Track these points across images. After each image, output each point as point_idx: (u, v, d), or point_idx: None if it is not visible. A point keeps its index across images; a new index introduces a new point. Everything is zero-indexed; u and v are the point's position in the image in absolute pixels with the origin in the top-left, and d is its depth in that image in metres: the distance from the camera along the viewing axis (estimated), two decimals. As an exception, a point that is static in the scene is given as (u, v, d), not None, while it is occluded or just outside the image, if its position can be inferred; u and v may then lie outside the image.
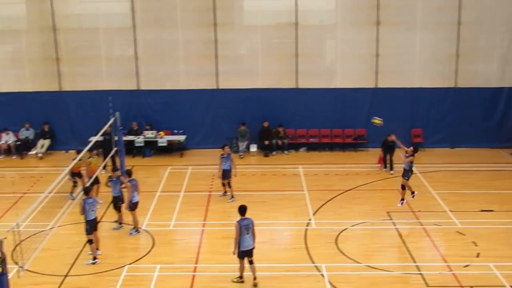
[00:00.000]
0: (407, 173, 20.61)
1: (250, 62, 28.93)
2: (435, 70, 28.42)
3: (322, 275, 16.65)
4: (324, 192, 23.03)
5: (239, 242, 15.94)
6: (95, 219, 17.75)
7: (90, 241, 17.60)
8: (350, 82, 28.58)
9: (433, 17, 27.91)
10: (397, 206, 20.93)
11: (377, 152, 26.17)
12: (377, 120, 22.48)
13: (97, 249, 17.87)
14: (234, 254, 16.11)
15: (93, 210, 17.57)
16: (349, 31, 28.32)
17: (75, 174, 22.37)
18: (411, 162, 20.56)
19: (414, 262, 17.32)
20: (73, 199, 21.89)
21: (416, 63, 28.42)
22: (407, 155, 20.68)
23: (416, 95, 28.43)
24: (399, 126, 26.75)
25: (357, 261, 17.42)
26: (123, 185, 19.75)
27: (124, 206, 19.72)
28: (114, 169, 20.19)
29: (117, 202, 19.91)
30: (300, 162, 26.90)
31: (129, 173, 19.86)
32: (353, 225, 19.92)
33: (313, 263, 17.37)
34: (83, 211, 17.41)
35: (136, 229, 19.58)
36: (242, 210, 16.15)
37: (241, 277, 16.27)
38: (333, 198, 22.48)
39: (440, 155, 27.85)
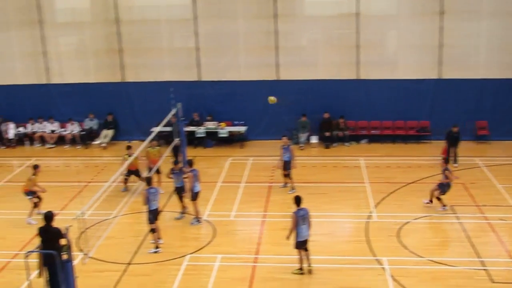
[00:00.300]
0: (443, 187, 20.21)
1: (311, 53, 28.76)
2: (501, 60, 27.63)
3: (384, 268, 16.47)
4: (386, 184, 22.75)
5: (296, 233, 15.94)
6: (157, 209, 17.96)
7: (152, 230, 17.82)
8: (412, 73, 28.07)
9: (499, 6, 27.16)
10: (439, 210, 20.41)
11: (440, 145, 25.69)
12: (271, 98, 22.11)
13: (159, 238, 18.08)
14: (287, 239, 16.17)
15: (155, 200, 17.77)
16: (412, 21, 27.82)
17: (132, 172, 22.56)
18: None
19: (479, 257, 16.94)
20: (125, 191, 22.20)
21: (481, 53, 27.71)
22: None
23: (481, 86, 27.70)
24: (463, 118, 26.25)
25: (420, 255, 17.16)
26: (185, 175, 19.92)
27: (186, 196, 19.90)
28: (175, 162, 20.33)
29: (180, 193, 20.10)
30: (361, 154, 26.65)
31: (190, 163, 20.02)
32: (415, 219, 19.62)
33: (374, 256, 17.19)
34: (146, 201, 17.62)
35: (197, 218, 19.74)
36: (298, 200, 16.13)
37: (301, 268, 16.24)
38: (395, 190, 22.17)
39: (506, 147, 27.09)
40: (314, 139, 28.24)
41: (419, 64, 28.04)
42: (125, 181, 22.61)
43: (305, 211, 16.06)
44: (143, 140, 21.75)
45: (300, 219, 15.91)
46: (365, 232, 18.77)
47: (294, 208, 16.08)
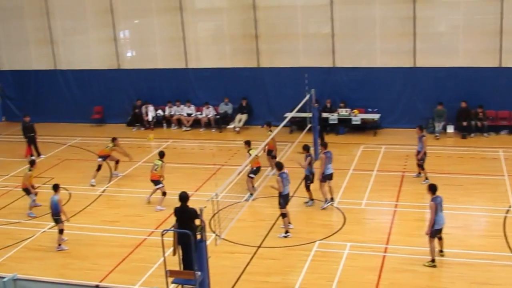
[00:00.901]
0: None
1: (450, 40, 27.83)
2: None
3: (521, 265, 15.81)
4: (527, 178, 21.76)
5: (434, 220, 15.66)
6: (288, 194, 18.08)
7: (283, 215, 17.98)
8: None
9: None
10: None
11: None
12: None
13: (290, 223, 18.24)
14: (427, 234, 15.85)
15: (287, 185, 17.89)
16: None
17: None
18: None
19: None
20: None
21: None
22: None
23: None
24: None
25: (562, 253, 16.33)
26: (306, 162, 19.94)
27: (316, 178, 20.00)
28: (323, 144, 20.36)
29: (307, 180, 20.16)
30: (500, 146, 25.51)
31: (324, 145, 20.03)
32: (558, 215, 18.66)
33: (512, 252, 16.54)
34: (281, 185, 17.75)
35: (328, 200, 19.70)
36: (434, 188, 15.88)
37: (433, 260, 15.87)
38: (536, 185, 21.17)
39: None
40: (450, 129, 27.37)
41: None
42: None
43: (441, 198, 15.82)
44: (276, 126, 21.94)
45: (439, 206, 15.65)
46: (503, 227, 18.03)
47: (428, 196, 15.78)
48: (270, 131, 22.10)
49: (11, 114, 33.73)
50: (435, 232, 15.85)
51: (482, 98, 27.14)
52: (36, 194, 21.17)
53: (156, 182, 20.81)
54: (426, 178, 21.41)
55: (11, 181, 23.64)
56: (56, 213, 17.96)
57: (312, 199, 20.28)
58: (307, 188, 20.15)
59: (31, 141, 26.72)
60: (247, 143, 21.46)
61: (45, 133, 27.38)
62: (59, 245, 18.17)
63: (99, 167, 23.23)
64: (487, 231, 18.23)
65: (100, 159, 23.30)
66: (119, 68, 31.81)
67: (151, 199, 21.02)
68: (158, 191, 20.77)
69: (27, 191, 20.90)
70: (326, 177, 19.58)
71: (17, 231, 19.46)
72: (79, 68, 32.39)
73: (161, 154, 21.17)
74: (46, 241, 18.68)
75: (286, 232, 17.94)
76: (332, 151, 20.35)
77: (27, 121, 26.80)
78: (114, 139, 23.65)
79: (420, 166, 21.74)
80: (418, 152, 21.59)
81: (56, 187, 18.16)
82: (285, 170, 18.11)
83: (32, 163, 21.37)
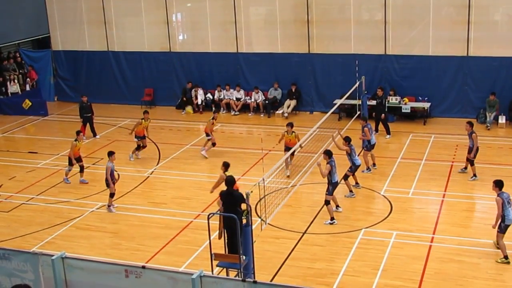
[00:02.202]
0: None
1: (505, 29, 27.32)
2: None
3: None
4: None
5: (503, 216, 15.47)
6: (337, 181, 18.01)
7: (327, 202, 17.90)
8: None
9: None
10: None
11: None
12: None
13: (338, 206, 18.16)
14: (493, 227, 15.72)
15: (336, 173, 17.84)
16: None
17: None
18: None
19: None
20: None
21: None
22: None
23: None
24: None
25: None
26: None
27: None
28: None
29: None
30: (555, 137, 25.04)
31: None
32: None
33: None
34: (330, 172, 17.69)
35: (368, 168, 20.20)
36: (500, 184, 15.68)
37: (506, 257, 15.62)
38: None
39: None
40: (502, 119, 26.87)
41: None
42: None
43: (508, 194, 15.61)
44: (325, 112, 21.86)
45: (506, 201, 15.46)
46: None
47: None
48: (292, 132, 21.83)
49: (63, 94, 34.35)
50: (505, 228, 15.58)
51: (537, 88, 26.60)
52: (82, 168, 22.06)
53: (206, 134, 23.91)
54: (474, 175, 20.79)
55: (61, 160, 24.07)
56: (106, 178, 19.40)
57: (357, 183, 20.41)
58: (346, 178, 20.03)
59: (88, 121, 27.18)
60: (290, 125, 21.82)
61: (96, 114, 27.79)
62: (108, 206, 19.66)
63: (138, 147, 24.07)
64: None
65: (136, 139, 24.06)
66: (170, 51, 32.05)
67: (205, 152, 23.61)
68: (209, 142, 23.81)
69: (69, 160, 21.83)
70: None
71: (66, 210, 19.89)
72: (131, 50, 32.72)
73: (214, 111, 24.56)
74: (95, 220, 19.07)
75: (332, 218, 17.92)
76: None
77: (85, 101, 27.26)
78: (145, 112, 24.48)
79: (470, 162, 20.99)
80: (470, 148, 20.85)
81: (108, 154, 19.74)
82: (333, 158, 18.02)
83: (78, 133, 22.25)
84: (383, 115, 25.51)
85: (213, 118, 24.17)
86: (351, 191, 19.77)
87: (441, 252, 16.19)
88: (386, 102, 26.07)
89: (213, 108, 29.80)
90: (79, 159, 22.02)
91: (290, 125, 21.60)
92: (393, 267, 15.54)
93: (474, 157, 20.79)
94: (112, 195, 19.60)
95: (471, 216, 18.54)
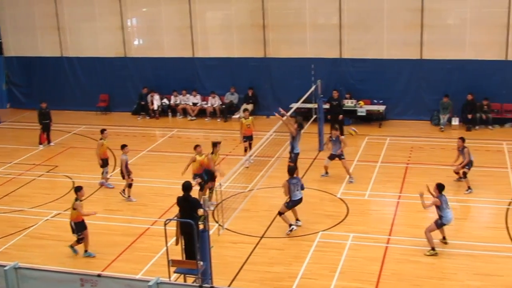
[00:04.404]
0: None
1: (458, 32, 27.68)
2: None
3: (524, 258, 15.81)
4: (531, 171, 21.74)
5: (440, 216, 16.01)
6: (301, 199, 17.73)
7: (280, 213, 17.74)
8: None
9: None
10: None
11: None
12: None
13: (298, 219, 18.03)
14: (424, 207, 16.33)
15: (298, 190, 17.60)
16: None
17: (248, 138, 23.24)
18: None
19: None
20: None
21: None
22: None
23: None
24: None
25: None
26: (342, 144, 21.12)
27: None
28: (334, 128, 21.39)
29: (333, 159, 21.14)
30: (505, 138, 25.49)
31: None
32: (561, 209, 18.62)
33: (515, 245, 16.53)
34: (288, 191, 17.56)
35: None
36: (441, 187, 16.15)
37: (433, 248, 16.15)
38: (540, 178, 21.14)
39: None
40: (455, 121, 27.31)
41: None
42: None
43: (446, 198, 16.22)
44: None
45: (445, 203, 16.00)
46: (505, 218, 18.03)
47: (435, 193, 15.97)
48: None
49: (16, 101, 33.79)
50: (441, 225, 16.08)
51: (488, 91, 27.11)
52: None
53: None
54: (469, 188, 20.16)
55: (14, 169, 23.71)
56: (121, 170, 20.41)
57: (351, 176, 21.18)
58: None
59: (46, 127, 26.74)
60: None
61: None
62: (128, 197, 20.50)
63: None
64: (490, 222, 18.26)
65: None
66: (126, 56, 31.82)
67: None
68: None
69: (105, 161, 21.86)
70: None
71: (19, 219, 19.51)
72: (86, 55, 32.40)
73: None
74: (50, 229, 18.75)
75: (290, 225, 17.73)
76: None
77: (44, 107, 26.82)
78: (102, 131, 22.19)
79: (464, 174, 20.50)
80: (461, 162, 20.54)
81: (121, 147, 20.57)
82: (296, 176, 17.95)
83: (103, 131, 21.99)
84: (341, 116, 25.77)
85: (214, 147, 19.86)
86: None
87: (397, 253, 16.35)
88: (343, 105, 26.37)
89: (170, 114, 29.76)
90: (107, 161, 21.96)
91: (247, 110, 21.97)
92: (350, 269, 15.63)
93: (468, 168, 20.34)
94: (129, 185, 20.40)
95: (426, 217, 18.67)
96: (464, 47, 27.42)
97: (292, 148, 20.75)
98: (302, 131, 21.72)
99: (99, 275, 10.38)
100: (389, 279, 15.15)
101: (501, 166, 22.36)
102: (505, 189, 20.19)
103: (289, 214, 17.85)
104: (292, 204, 17.69)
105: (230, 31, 30.46)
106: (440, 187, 16.18)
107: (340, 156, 21.27)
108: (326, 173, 21.83)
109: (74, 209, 16.60)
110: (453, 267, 15.61)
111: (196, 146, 19.64)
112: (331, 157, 21.52)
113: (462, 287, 14.76)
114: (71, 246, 16.94)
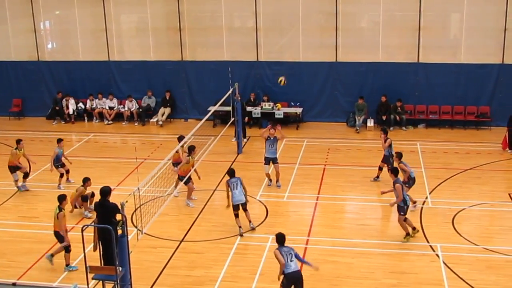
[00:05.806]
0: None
1: (371, 35, 28.35)
2: None
3: (437, 255, 16.28)
4: (442, 170, 22.40)
5: (404, 199, 16.83)
6: (244, 202, 17.83)
7: (236, 216, 17.84)
8: (474, 57, 27.35)
9: None
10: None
11: (500, 131, 25.14)
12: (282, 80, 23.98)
13: (240, 226, 17.81)
14: (391, 205, 17.25)
15: (237, 189, 17.67)
16: (476, 4, 27.10)
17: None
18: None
19: (536, 247, 16.59)
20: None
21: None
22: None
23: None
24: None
25: (474, 243, 16.89)
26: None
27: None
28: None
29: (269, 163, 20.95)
30: (418, 139, 26.26)
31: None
32: (471, 206, 19.30)
33: (428, 242, 16.99)
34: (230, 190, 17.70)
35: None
36: (396, 171, 17.41)
37: (408, 234, 17.05)
38: (451, 177, 21.82)
39: None
40: (370, 123, 27.94)
41: (482, 48, 27.32)
42: None
43: (237, 179, 17.56)
44: (200, 119, 21.87)
45: (403, 186, 17.09)
46: (419, 217, 18.53)
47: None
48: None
49: None
50: (407, 209, 16.83)
51: (401, 93, 27.87)
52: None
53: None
54: (414, 202, 19.15)
55: None
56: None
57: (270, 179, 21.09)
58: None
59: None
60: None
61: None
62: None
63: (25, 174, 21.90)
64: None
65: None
66: (39, 60, 31.05)
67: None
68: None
69: (13, 168, 21.32)
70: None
71: None
72: (-4, 59, 31.50)
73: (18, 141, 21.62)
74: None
75: (240, 227, 17.76)
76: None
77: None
78: (18, 142, 21.55)
79: (378, 175, 21.24)
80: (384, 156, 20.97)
81: (57, 141, 21.74)
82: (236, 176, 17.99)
83: (18, 142, 21.46)
84: (246, 118, 26.19)
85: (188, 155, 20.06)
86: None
87: (316, 254, 16.53)
88: (246, 107, 26.63)
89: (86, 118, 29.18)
90: (17, 168, 21.29)
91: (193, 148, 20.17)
92: (270, 271, 15.68)
93: (409, 186, 19.46)
94: (61, 175, 21.48)
95: (344, 218, 19.11)
96: (378, 49, 28.09)
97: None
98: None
99: (14, 284, 10.09)
100: (308, 280, 15.19)
101: (415, 166, 22.85)
102: (419, 189, 20.56)
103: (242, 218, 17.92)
104: (235, 208, 17.78)
105: (146, 34, 30.18)
106: (394, 171, 17.18)
107: (275, 160, 21.04)
108: (270, 180, 21.47)
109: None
110: (370, 266, 15.92)
111: (193, 148, 19.87)
112: (267, 162, 21.02)
113: (379, 286, 15.09)
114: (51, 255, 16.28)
